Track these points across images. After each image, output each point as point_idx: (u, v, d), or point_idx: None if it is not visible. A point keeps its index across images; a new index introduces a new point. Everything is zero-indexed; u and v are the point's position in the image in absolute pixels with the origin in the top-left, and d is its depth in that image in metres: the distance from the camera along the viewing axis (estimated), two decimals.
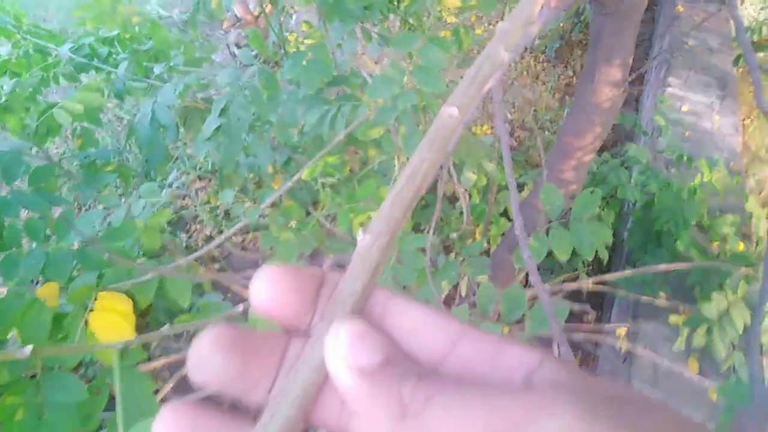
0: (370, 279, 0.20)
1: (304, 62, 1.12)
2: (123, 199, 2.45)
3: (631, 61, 1.29)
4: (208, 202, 2.55)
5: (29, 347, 0.49)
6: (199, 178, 2.74)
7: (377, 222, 0.21)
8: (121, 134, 2.87)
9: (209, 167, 2.66)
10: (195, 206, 2.53)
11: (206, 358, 0.19)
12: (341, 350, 0.18)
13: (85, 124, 1.54)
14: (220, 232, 2.39)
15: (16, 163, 1.00)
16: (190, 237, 2.45)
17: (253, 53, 3.66)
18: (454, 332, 0.20)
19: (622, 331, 1.75)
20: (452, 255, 1.78)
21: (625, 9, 1.21)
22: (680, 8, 3.75)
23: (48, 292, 0.86)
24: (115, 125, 3.00)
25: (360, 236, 0.21)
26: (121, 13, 1.72)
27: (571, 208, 1.04)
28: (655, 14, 4.00)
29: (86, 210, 2.45)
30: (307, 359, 0.19)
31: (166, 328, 0.77)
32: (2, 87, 1.57)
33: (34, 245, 0.90)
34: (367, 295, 0.20)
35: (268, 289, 0.20)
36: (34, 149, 1.34)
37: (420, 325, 0.21)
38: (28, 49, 1.71)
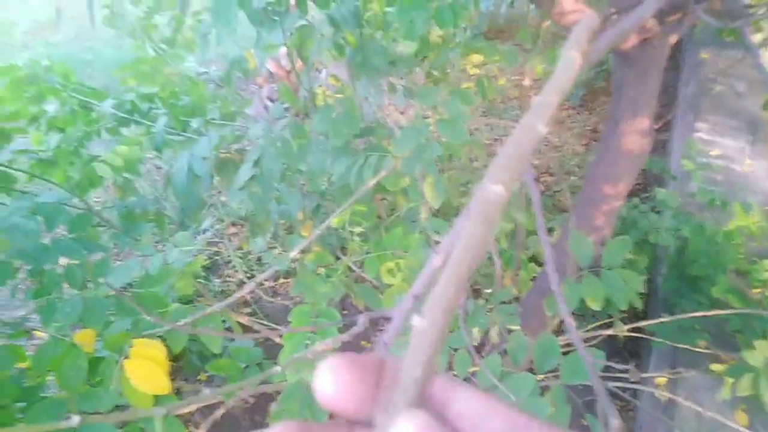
0: (428, 365, 0.20)
1: (333, 115, 1.17)
2: (160, 245, 2.52)
3: (655, 108, 1.30)
4: (241, 248, 2.61)
5: (77, 418, 0.51)
6: (233, 224, 2.81)
7: (432, 304, 0.20)
8: (159, 183, 2.99)
9: (242, 214, 2.73)
10: (228, 252, 2.59)
11: None
12: None
13: (125, 174, 1.61)
14: (252, 276, 2.43)
15: (57, 212, 1.05)
16: (223, 282, 2.49)
17: (285, 106, 3.81)
18: (518, 423, 0.20)
19: (662, 380, 1.68)
20: (481, 300, 1.76)
21: (648, 59, 1.23)
22: (704, 55, 3.77)
23: (85, 338, 0.89)
24: (154, 175, 3.12)
25: (415, 320, 0.20)
26: (161, 72, 1.83)
27: (600, 255, 1.03)
28: (679, 61, 4.02)
29: (125, 258, 2.52)
30: None
31: (208, 391, 0.77)
32: (48, 142, 1.67)
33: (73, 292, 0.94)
34: (427, 381, 0.20)
35: (333, 383, 0.20)
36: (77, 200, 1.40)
37: (482, 414, 0.20)
38: (73, 106, 1.81)
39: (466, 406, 0.21)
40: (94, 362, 0.86)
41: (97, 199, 2.84)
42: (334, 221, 1.02)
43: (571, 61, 0.24)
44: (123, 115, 1.77)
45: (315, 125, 1.16)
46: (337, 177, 1.17)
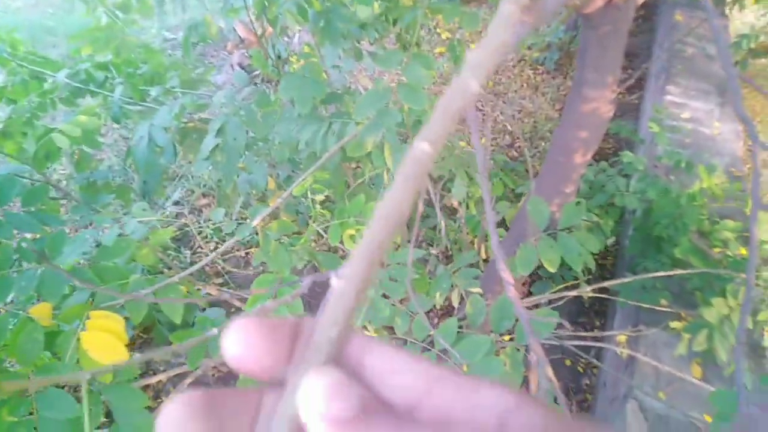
0: (345, 325, 0.20)
1: (299, 82, 1.14)
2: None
3: (619, 72, 1.30)
4: (210, 218, 2.58)
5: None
6: (204, 195, 2.77)
7: (351, 266, 0.20)
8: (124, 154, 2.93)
9: (213, 184, 2.69)
10: (198, 222, 2.56)
11: (178, 427, 0.18)
12: (316, 401, 0.18)
13: (83, 146, 1.57)
14: None
15: (10, 185, 1.02)
16: (194, 253, 2.47)
17: (254, 73, 3.70)
18: (431, 376, 0.20)
19: (622, 337, 1.74)
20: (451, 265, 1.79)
21: (612, 21, 1.23)
22: (678, 17, 3.77)
23: (41, 312, 0.88)
24: (120, 145, 3.05)
25: (333, 281, 0.20)
26: (115, 39, 1.75)
27: None
28: (654, 23, 4.02)
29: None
30: (282, 411, 0.19)
31: (164, 350, 0.77)
32: None
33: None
34: (343, 341, 0.20)
35: (240, 342, 0.20)
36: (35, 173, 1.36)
37: (397, 369, 0.20)
38: (24, 76, 1.74)
39: (380, 362, 0.20)
40: (51, 336, 0.86)
41: (62, 171, 2.77)
42: (295, 190, 1.01)
43: (507, 16, 0.22)
44: (78, 85, 1.71)
45: (281, 92, 1.13)
46: (304, 144, 1.15)
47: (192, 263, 2.40)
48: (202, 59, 4.18)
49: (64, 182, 2.58)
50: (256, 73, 3.69)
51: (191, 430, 0.18)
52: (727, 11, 3.47)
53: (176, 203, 2.68)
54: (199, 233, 2.55)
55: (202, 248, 2.48)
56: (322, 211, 1.08)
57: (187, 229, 2.50)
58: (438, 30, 4.05)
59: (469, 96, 0.22)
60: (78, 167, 1.64)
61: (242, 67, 3.72)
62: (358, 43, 1.55)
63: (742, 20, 3.96)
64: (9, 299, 0.88)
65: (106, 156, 2.97)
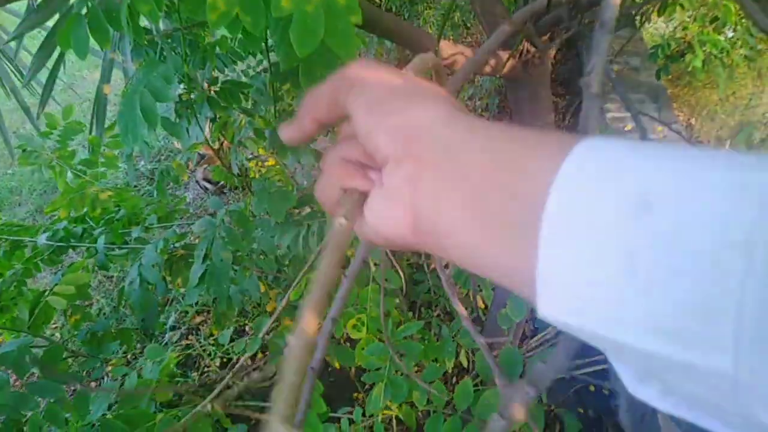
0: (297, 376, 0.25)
1: (268, 195, 1.24)
2: (128, 359, 2.48)
3: (552, 117, 1.44)
4: (211, 334, 2.60)
5: None
6: (197, 313, 2.80)
7: (299, 326, 0.26)
8: (113, 292, 2.95)
9: (205, 300, 2.73)
10: (199, 342, 2.57)
11: None
12: None
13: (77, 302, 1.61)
14: (230, 360, 2.43)
15: (24, 356, 1.06)
16: (201, 374, 2.47)
17: (221, 184, 3.81)
18: None
19: None
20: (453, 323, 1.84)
21: (535, 77, 1.37)
22: None
23: None
24: (106, 286, 3.08)
25: (288, 339, 0.26)
26: (89, 193, 1.85)
27: None
28: (579, 48, 4.32)
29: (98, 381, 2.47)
30: None
31: None
32: None
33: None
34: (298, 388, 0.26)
35: None
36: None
37: None
38: (5, 248, 1.80)
39: None
40: None
41: (53, 326, 2.77)
42: (291, 295, 1.08)
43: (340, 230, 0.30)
44: (59, 243, 1.78)
45: (255, 208, 1.22)
46: (285, 251, 1.23)
47: (202, 385, 2.39)
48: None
49: (58, 335, 2.58)
50: (221, 184, 3.82)
51: None
52: (637, 24, 3.77)
53: (173, 328, 2.69)
54: (204, 350, 2.56)
55: (208, 367, 2.48)
56: None
57: (190, 351, 2.51)
58: None
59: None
60: (75, 325, 1.68)
61: (207, 180, 3.85)
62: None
63: (654, 28, 4.29)
64: None
65: (95, 300, 2.99)
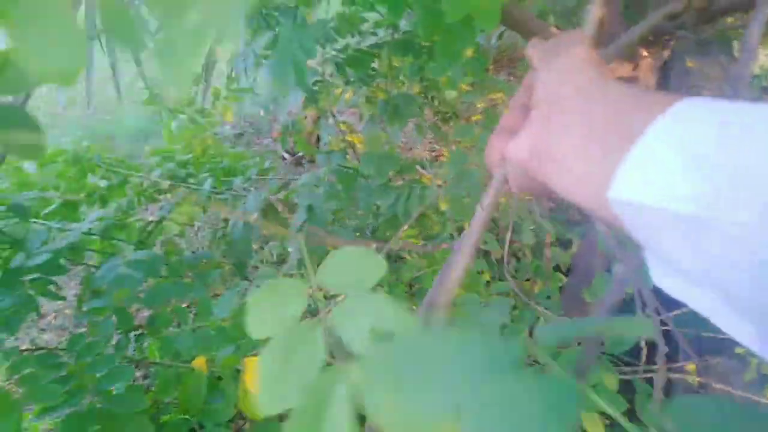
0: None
1: (376, 158, 1.36)
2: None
3: None
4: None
5: None
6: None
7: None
8: (194, 238, 3.20)
9: (274, 259, 2.91)
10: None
11: None
12: None
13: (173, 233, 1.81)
14: None
15: (156, 263, 1.23)
16: None
17: (297, 155, 3.99)
18: None
19: (692, 366, 1.81)
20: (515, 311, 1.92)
21: (639, 85, 1.43)
22: (690, 63, 4.00)
23: (199, 364, 1.05)
24: (188, 233, 3.32)
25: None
26: (203, 137, 2.04)
27: None
28: (667, 71, 4.25)
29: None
30: None
31: None
32: (102, 214, 1.86)
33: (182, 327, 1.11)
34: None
35: None
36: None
37: None
38: (115, 180, 2.02)
39: None
40: (211, 384, 1.03)
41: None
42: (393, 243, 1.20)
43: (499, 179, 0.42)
44: (169, 181, 1.97)
45: (362, 169, 1.35)
46: (385, 210, 1.35)
47: None
48: (249, 148, 4.54)
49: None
50: (299, 155, 4.01)
51: None
52: (735, 53, 3.67)
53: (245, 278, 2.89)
54: None
55: None
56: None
57: None
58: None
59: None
60: (167, 252, 1.87)
61: (286, 151, 4.05)
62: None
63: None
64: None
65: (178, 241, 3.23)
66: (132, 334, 1.14)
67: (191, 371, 1.01)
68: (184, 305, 1.14)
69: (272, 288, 0.35)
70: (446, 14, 0.82)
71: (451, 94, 1.53)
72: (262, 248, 3.14)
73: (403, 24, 1.44)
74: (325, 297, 0.34)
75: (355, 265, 0.35)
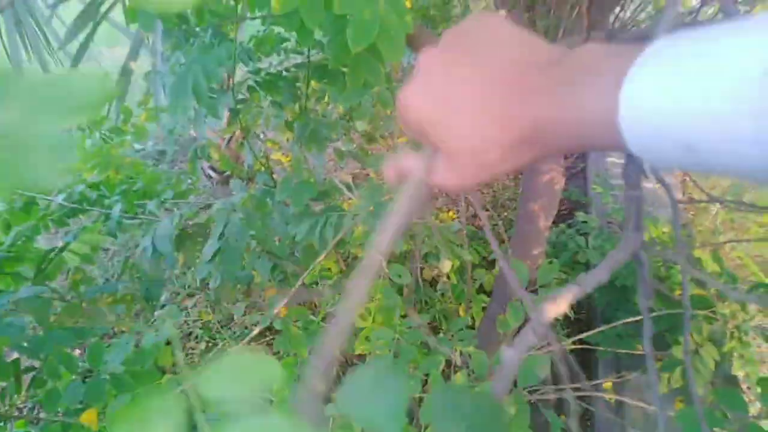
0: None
1: (292, 185, 1.31)
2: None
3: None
4: (200, 318, 2.64)
5: None
6: (188, 296, 2.84)
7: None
8: (108, 264, 2.99)
9: (197, 284, 2.77)
10: (188, 324, 2.61)
11: None
12: None
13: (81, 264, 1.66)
14: (215, 345, 2.47)
15: (45, 306, 1.12)
16: (186, 355, 2.50)
17: (227, 174, 3.87)
18: None
19: (608, 384, 1.86)
20: (440, 334, 1.91)
21: None
22: None
23: (89, 418, 0.95)
24: (102, 257, 3.11)
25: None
26: (115, 157, 1.91)
27: (536, 278, 1.20)
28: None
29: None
30: None
31: None
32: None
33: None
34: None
35: None
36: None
37: None
38: (19, 204, 1.85)
39: None
40: None
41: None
42: (306, 279, 1.15)
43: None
44: (73, 205, 1.83)
45: (278, 195, 1.29)
46: (300, 238, 1.30)
47: (187, 365, 2.43)
48: (173, 166, 4.35)
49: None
50: (226, 174, 3.88)
51: None
52: None
53: (163, 306, 2.73)
54: (189, 334, 2.59)
55: (194, 349, 2.52)
56: (331, 294, 1.21)
57: (177, 330, 2.54)
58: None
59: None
60: (74, 285, 1.72)
61: (213, 169, 3.90)
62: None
63: None
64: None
65: (88, 269, 3.01)
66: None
67: (79, 427, 0.91)
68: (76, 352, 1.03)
69: (139, 406, 0.27)
70: (350, 43, 0.79)
71: (362, 125, 1.51)
72: (184, 273, 3.00)
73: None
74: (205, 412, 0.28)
75: (245, 373, 0.29)
